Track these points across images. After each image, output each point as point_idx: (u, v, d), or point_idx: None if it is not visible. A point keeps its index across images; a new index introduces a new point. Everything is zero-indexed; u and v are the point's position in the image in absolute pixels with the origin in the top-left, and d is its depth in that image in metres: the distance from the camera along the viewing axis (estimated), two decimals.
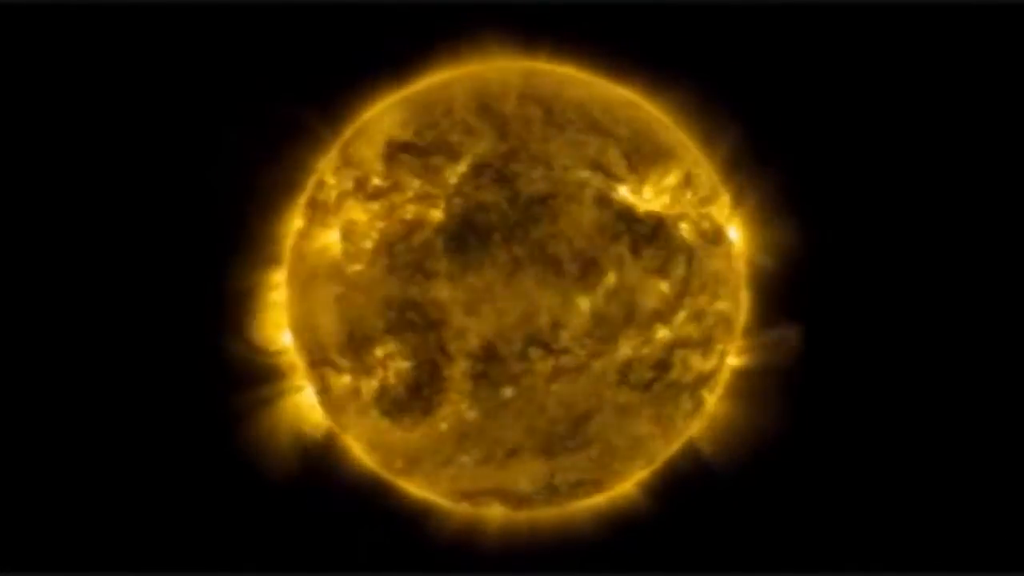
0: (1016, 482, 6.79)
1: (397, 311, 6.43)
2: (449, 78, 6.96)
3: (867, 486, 6.71)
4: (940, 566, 6.72)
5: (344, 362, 6.61)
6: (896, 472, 6.85)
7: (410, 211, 6.49)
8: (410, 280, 6.41)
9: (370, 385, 6.57)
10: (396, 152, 6.67)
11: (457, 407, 6.45)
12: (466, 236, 6.39)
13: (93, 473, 6.83)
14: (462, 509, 6.89)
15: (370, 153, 6.72)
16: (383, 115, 6.91)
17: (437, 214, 6.45)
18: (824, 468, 6.68)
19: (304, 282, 6.78)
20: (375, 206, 6.59)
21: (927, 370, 6.84)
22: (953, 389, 6.82)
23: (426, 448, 6.61)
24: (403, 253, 6.45)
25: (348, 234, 6.61)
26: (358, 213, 6.63)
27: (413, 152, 6.61)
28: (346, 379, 6.64)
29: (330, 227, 6.74)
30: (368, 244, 6.53)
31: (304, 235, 6.84)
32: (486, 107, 6.67)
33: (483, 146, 6.55)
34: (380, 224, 6.54)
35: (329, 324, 6.62)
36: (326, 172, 6.90)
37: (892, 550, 6.64)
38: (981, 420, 6.81)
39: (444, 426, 6.50)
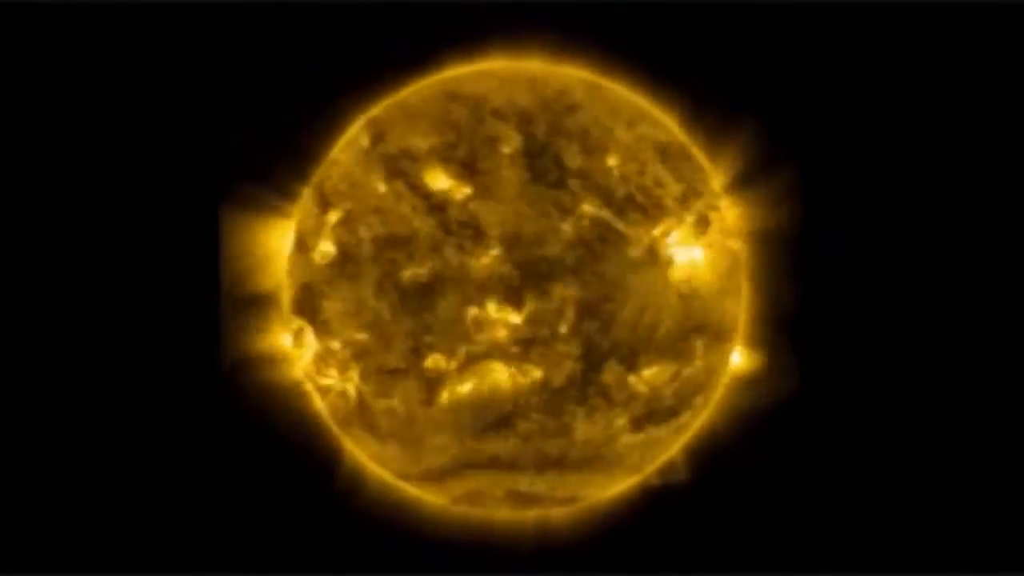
0: (1016, 484, 6.79)
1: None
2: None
3: (866, 488, 6.88)
4: (940, 567, 6.73)
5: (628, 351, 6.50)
6: (896, 474, 6.87)
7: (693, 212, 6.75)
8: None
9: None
10: (669, 152, 6.81)
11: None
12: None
13: (89, 463, 6.73)
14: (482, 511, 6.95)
15: (635, 141, 6.68)
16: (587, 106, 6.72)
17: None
18: (822, 469, 6.89)
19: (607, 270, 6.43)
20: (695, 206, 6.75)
21: (932, 372, 6.82)
22: (959, 393, 6.80)
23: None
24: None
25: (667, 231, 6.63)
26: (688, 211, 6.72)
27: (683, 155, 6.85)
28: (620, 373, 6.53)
29: (652, 219, 6.58)
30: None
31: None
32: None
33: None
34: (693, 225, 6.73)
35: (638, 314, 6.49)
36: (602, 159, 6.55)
37: (891, 551, 6.83)
38: (983, 423, 6.79)
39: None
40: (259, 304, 6.88)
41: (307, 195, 6.80)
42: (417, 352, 6.35)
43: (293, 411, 6.88)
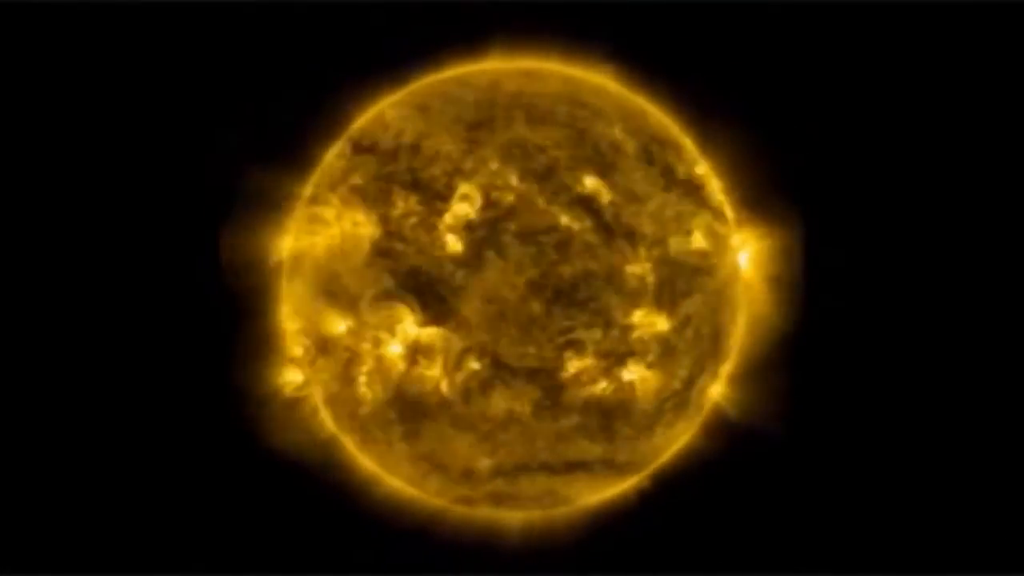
0: (1014, 486, 6.82)
1: None
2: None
3: (858, 491, 6.97)
4: (938, 567, 6.78)
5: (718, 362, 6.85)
6: (894, 475, 6.92)
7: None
8: None
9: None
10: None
11: None
12: None
13: (87, 465, 6.80)
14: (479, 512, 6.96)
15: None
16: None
17: None
18: (820, 471, 6.96)
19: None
20: None
21: (928, 373, 6.84)
22: (955, 392, 6.84)
23: None
24: None
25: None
26: None
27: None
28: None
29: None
30: None
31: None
32: None
33: None
34: None
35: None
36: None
37: (889, 553, 6.91)
38: (980, 425, 6.83)
39: None
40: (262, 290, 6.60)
41: (389, 188, 6.30)
42: (561, 351, 6.14)
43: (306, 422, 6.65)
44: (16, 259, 6.65)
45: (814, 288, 6.80)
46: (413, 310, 6.15)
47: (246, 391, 6.61)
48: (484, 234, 6.09)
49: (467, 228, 6.11)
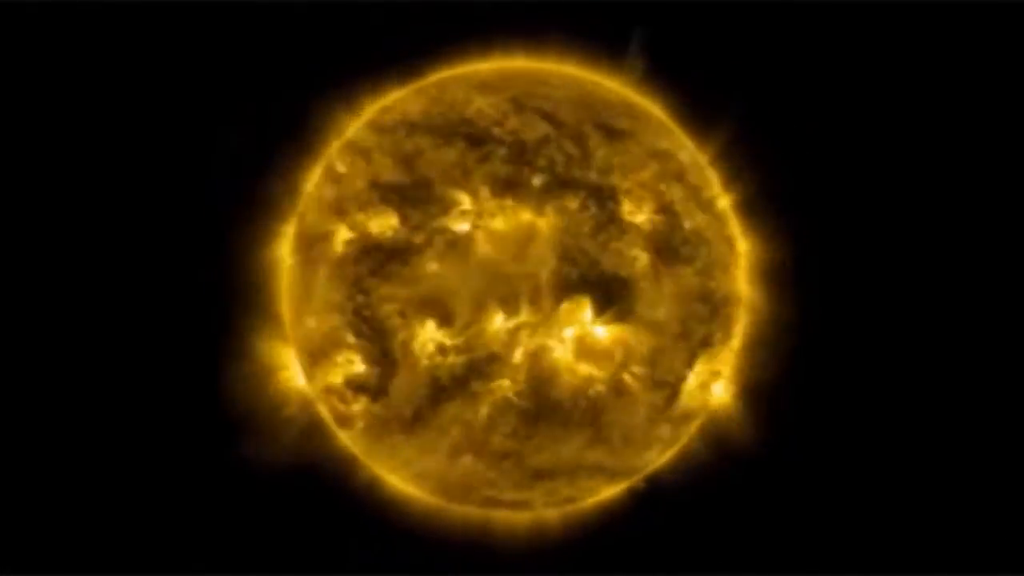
0: (1012, 487, 6.70)
1: None
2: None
3: (860, 491, 6.82)
4: (935, 568, 6.69)
5: None
6: (889, 479, 6.77)
7: None
8: None
9: None
10: None
11: None
12: None
13: (90, 467, 6.70)
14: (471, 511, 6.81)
15: None
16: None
17: None
18: (818, 472, 6.74)
19: None
20: None
21: (923, 371, 6.69)
22: (949, 391, 6.70)
23: None
24: None
25: None
26: None
27: None
28: None
29: None
30: None
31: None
32: None
33: None
34: None
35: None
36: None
37: (883, 554, 6.77)
38: (976, 424, 6.70)
39: None
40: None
41: (554, 186, 6.12)
42: (693, 362, 6.24)
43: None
44: (15, 258, 6.58)
45: (811, 291, 6.71)
46: (589, 308, 6.00)
47: (255, 390, 6.48)
48: (664, 242, 6.13)
49: (648, 236, 6.10)
